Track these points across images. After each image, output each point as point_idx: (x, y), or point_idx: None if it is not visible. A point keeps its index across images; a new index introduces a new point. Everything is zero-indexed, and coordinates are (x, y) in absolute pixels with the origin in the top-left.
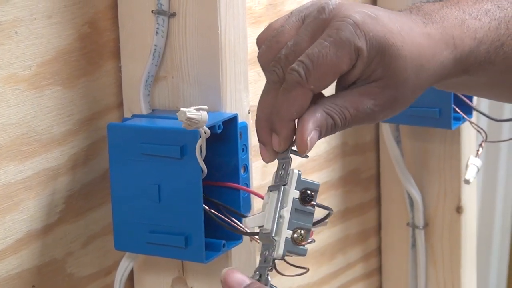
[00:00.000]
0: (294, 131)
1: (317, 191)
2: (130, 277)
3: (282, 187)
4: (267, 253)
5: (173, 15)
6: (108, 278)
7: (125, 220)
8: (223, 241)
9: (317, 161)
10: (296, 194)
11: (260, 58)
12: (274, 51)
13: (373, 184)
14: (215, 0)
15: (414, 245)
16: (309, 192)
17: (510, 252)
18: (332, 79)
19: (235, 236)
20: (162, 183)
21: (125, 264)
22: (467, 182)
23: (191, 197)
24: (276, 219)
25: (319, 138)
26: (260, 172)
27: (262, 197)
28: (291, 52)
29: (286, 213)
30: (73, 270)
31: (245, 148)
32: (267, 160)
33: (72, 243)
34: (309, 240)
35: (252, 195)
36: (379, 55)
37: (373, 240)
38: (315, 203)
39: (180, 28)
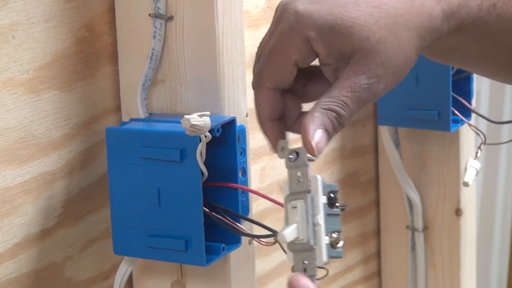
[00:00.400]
0: (279, 132)
1: (338, 191)
2: (129, 281)
3: (307, 194)
4: (307, 262)
5: (170, 18)
6: (107, 282)
7: (124, 224)
8: (223, 245)
9: (315, 164)
10: (324, 199)
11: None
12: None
13: (372, 187)
14: (212, 3)
15: (413, 247)
16: (332, 195)
17: (510, 255)
18: (287, 70)
19: (234, 239)
20: (161, 187)
21: (124, 268)
22: (466, 184)
23: (191, 200)
24: (311, 228)
25: (330, 136)
26: (258, 175)
27: (261, 195)
28: (257, 53)
29: (321, 220)
30: (72, 274)
31: (243, 151)
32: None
33: (70, 247)
34: (343, 241)
35: (250, 198)
36: (333, 32)
37: (373, 243)
38: (338, 204)
39: (177, 32)
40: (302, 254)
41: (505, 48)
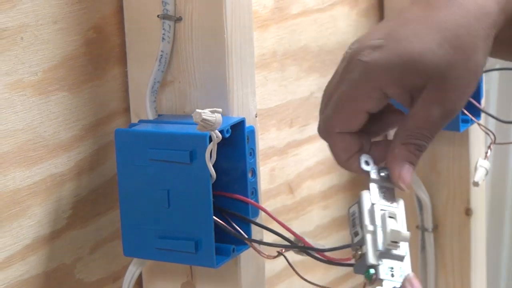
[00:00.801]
0: (356, 165)
1: None
2: (139, 283)
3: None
4: (393, 269)
5: (179, 19)
6: (116, 283)
7: (133, 226)
8: (233, 246)
9: (324, 164)
10: None
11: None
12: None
13: None
14: (221, 4)
15: (423, 247)
16: None
17: None
18: (359, 118)
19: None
20: (171, 188)
21: (133, 270)
22: (476, 184)
23: (201, 202)
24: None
25: (415, 166)
26: (268, 176)
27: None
28: (323, 100)
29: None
30: (82, 275)
31: (253, 152)
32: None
33: (80, 248)
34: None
35: (260, 199)
36: (405, 74)
37: None
38: None
39: (186, 33)
40: (390, 262)
41: None
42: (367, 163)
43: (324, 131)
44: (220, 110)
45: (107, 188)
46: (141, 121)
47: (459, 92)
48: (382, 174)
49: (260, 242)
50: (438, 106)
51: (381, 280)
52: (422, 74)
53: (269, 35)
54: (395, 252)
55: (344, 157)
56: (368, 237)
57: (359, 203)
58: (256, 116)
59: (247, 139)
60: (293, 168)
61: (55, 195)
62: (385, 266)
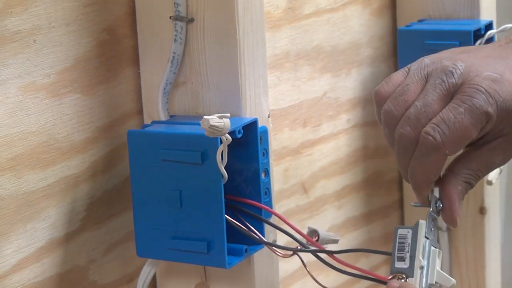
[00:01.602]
0: (430, 189)
1: None
2: (153, 284)
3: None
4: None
5: (191, 20)
6: (130, 285)
7: (146, 227)
8: (245, 246)
9: (338, 164)
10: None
11: (387, 115)
12: (401, 109)
13: (395, 186)
14: (233, 5)
15: None
16: None
17: None
18: (465, 144)
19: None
20: (183, 189)
21: (147, 271)
22: (489, 183)
23: (212, 202)
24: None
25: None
26: (281, 176)
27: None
28: (421, 113)
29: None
30: (96, 277)
31: (266, 153)
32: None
33: (94, 250)
34: None
35: (274, 199)
36: (507, 115)
37: None
38: None
39: (198, 33)
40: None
41: None
42: (432, 197)
43: (435, 147)
44: (228, 115)
45: (121, 189)
46: (154, 122)
47: None
48: (438, 205)
49: (272, 245)
50: (500, 155)
51: None
52: None
53: (281, 36)
54: None
55: (432, 179)
56: (418, 273)
57: (414, 231)
58: (269, 117)
59: (260, 139)
60: (306, 168)
61: (69, 197)
62: None
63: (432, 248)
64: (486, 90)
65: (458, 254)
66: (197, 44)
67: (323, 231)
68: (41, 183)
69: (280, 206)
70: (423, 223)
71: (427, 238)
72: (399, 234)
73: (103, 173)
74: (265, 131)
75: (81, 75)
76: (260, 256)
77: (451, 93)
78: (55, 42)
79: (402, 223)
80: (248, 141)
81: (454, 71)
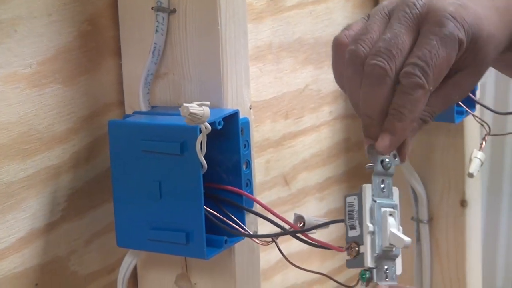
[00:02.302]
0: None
1: None
2: (134, 274)
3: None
4: (387, 269)
5: (173, 11)
6: (111, 275)
7: (127, 217)
8: (225, 237)
9: (320, 156)
10: None
11: (353, 53)
12: (368, 45)
13: None
14: None
15: (418, 239)
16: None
17: None
18: (443, 75)
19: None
20: (162, 180)
21: (128, 261)
22: (470, 175)
23: (192, 193)
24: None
25: None
26: (263, 168)
27: (260, 203)
28: (391, 44)
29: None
30: (76, 268)
31: (247, 144)
32: (388, 149)
33: (75, 241)
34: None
35: (255, 190)
36: (472, 43)
37: None
38: None
39: (180, 25)
40: (384, 262)
41: None
42: (371, 152)
43: (420, 86)
44: (207, 103)
45: (103, 180)
46: (135, 113)
47: (476, 80)
48: (388, 160)
49: (251, 235)
50: (460, 90)
51: (376, 284)
52: (476, 55)
53: (264, 28)
54: (391, 253)
55: (416, 118)
56: (368, 238)
57: (359, 197)
58: (250, 108)
59: (242, 131)
60: (288, 160)
61: (50, 188)
62: (380, 268)
63: (383, 209)
64: (453, 16)
65: (439, 246)
66: (178, 35)
67: (309, 217)
68: (21, 173)
69: (261, 198)
70: (365, 187)
71: (375, 201)
72: (347, 203)
73: (84, 163)
74: (246, 123)
75: (62, 66)
76: (241, 247)
77: (418, 24)
78: (37, 32)
79: None
80: (230, 133)
81: (416, 1)
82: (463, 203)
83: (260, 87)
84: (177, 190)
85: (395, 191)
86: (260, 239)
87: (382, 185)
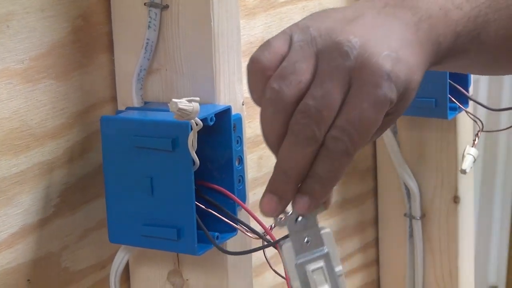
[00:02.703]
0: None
1: None
2: (126, 270)
3: (325, 251)
4: None
5: (165, 7)
6: (103, 271)
7: (119, 213)
8: (217, 233)
9: None
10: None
11: (278, 95)
12: (294, 91)
13: (370, 175)
14: None
15: (411, 235)
16: None
17: (510, 242)
18: (369, 138)
19: (230, 228)
20: (154, 176)
21: (120, 257)
22: (463, 172)
23: (183, 189)
24: (336, 281)
25: None
26: (256, 164)
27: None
28: (322, 105)
29: (341, 268)
30: (68, 264)
31: (240, 140)
32: (272, 213)
33: (67, 236)
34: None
35: (247, 187)
36: (401, 96)
37: (371, 231)
38: None
39: (173, 20)
40: None
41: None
42: (284, 216)
43: (347, 153)
44: (197, 98)
45: (96, 176)
46: (128, 109)
47: (395, 121)
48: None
49: (243, 222)
50: (379, 131)
51: None
52: (405, 102)
53: (256, 23)
54: None
55: (336, 183)
56: None
57: (282, 260)
58: (243, 104)
59: (234, 127)
60: None
61: (42, 183)
62: None
63: (307, 267)
64: (388, 76)
65: (431, 242)
66: (171, 31)
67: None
68: (13, 169)
69: (254, 194)
70: (284, 248)
71: (297, 262)
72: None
73: (77, 159)
74: (239, 119)
75: (55, 61)
76: (233, 243)
77: (349, 76)
78: (30, 27)
79: (376, 211)
80: (222, 129)
81: (349, 50)
82: (455, 200)
83: None
84: (169, 186)
85: (326, 235)
86: (252, 234)
87: (305, 240)
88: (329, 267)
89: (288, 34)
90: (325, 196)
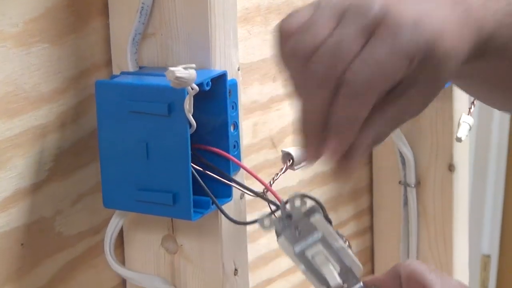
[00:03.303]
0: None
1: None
2: (120, 235)
3: (318, 234)
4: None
5: None
6: (97, 236)
7: (113, 178)
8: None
9: None
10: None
11: (293, 51)
12: (311, 44)
13: None
14: None
15: (406, 203)
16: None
17: (503, 210)
18: (386, 88)
19: (225, 193)
20: (150, 141)
21: (115, 222)
22: (459, 140)
23: (179, 154)
24: (338, 253)
25: None
26: (251, 130)
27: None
28: (338, 48)
29: (340, 241)
30: (62, 228)
31: (235, 106)
32: (315, 158)
33: (61, 201)
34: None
35: (242, 153)
36: (426, 60)
37: (365, 199)
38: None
39: None
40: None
41: None
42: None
43: (368, 86)
44: (193, 65)
45: (89, 140)
46: (122, 73)
47: (429, 99)
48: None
49: (240, 183)
50: (410, 108)
51: None
52: (432, 73)
53: None
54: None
55: (359, 122)
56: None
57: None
58: (238, 69)
59: (229, 92)
60: (276, 122)
61: (36, 147)
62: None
63: (307, 253)
64: (409, 29)
65: (426, 211)
66: None
67: (297, 152)
68: (7, 132)
69: (249, 160)
70: (281, 243)
71: (295, 251)
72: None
73: (71, 124)
74: (234, 84)
75: (50, 25)
76: (228, 209)
77: (371, 28)
78: None
79: (370, 178)
80: (217, 94)
81: (372, 3)
82: (450, 168)
83: (248, 49)
84: (164, 151)
85: (315, 221)
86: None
87: (297, 232)
88: (328, 247)
89: (315, 4)
90: (350, 138)
